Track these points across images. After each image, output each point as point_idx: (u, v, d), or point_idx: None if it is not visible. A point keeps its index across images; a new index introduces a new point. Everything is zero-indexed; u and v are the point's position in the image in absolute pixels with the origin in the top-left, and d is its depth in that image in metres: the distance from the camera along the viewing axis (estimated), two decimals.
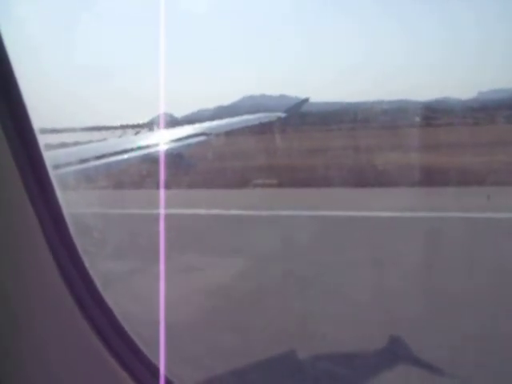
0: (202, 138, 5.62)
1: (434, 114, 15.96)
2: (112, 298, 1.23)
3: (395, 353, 3.84)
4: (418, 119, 13.32)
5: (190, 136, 5.52)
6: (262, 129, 9.02)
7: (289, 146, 12.82)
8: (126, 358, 1.17)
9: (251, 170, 11.32)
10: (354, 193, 9.49)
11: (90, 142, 5.43)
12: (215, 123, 6.56)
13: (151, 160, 4.97)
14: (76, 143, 5.36)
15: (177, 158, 5.15)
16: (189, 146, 5.47)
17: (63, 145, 4.87)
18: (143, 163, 5.15)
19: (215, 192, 10.26)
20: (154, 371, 1.22)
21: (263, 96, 22.46)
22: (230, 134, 6.78)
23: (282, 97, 18.29)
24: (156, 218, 7.65)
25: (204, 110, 18.96)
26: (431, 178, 9.34)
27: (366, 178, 10.02)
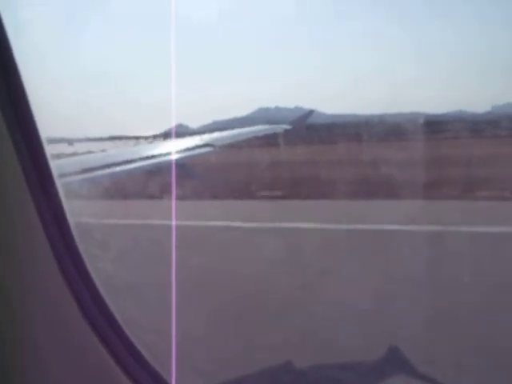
0: (206, 149, 5.66)
1: (448, 127, 15.92)
2: (116, 305, 1.23)
3: (394, 363, 3.83)
4: (430, 132, 13.23)
5: (195, 147, 5.56)
6: (266, 141, 9.05)
7: (289, 159, 12.87)
8: (127, 361, 1.18)
9: (249, 182, 11.39)
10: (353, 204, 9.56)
11: (98, 152, 5.48)
12: (220, 134, 6.60)
13: (153, 171, 5.00)
14: (85, 153, 5.41)
15: (181, 169, 5.17)
16: (193, 156, 5.51)
17: (73, 154, 4.93)
18: (145, 174, 5.18)
19: (212, 203, 10.27)
20: (156, 377, 1.22)
21: (278, 108, 22.61)
22: (233, 145, 6.80)
23: (297, 109, 18.34)
24: (145, 227, 7.71)
25: (219, 121, 19.05)
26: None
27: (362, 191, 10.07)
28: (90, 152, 5.41)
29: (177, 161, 5.07)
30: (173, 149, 5.42)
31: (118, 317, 1.23)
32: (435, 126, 15.34)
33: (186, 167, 5.41)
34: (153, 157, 4.93)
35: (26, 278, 1.14)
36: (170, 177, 4.81)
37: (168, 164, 4.97)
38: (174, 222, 5.29)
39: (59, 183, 1.20)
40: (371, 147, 12.79)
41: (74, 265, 1.18)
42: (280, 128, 7.46)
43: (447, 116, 18.11)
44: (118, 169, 4.37)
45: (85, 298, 1.17)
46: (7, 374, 1.14)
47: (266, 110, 22.85)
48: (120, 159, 4.57)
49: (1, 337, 1.14)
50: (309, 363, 3.89)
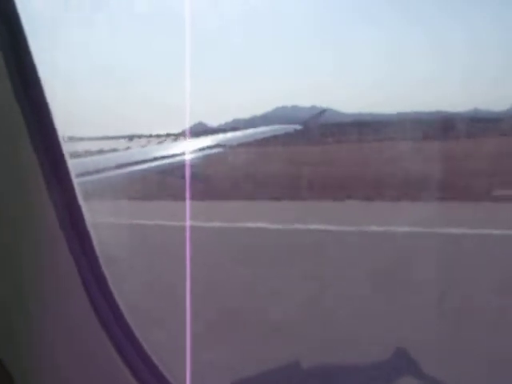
0: (216, 150, 5.68)
1: (464, 126, 15.81)
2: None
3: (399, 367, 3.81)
4: (448, 130, 13.15)
5: (206, 147, 5.59)
6: (277, 141, 9.05)
7: (298, 159, 12.81)
8: (137, 366, 1.18)
9: (256, 183, 11.34)
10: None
11: (113, 151, 5.52)
12: (231, 135, 6.62)
13: (162, 171, 5.02)
14: (101, 152, 5.45)
15: (191, 169, 5.18)
16: (203, 157, 5.52)
17: (90, 153, 4.97)
18: (155, 174, 5.20)
19: (218, 204, 10.20)
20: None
21: (295, 107, 22.58)
22: (243, 145, 6.82)
23: (313, 108, 18.35)
24: (149, 228, 7.68)
25: (238, 119, 19.14)
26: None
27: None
28: (114, 150, 5.44)
29: (186, 161, 5.08)
30: (184, 149, 5.43)
31: (129, 319, 1.23)
32: (451, 125, 15.26)
33: (194, 168, 5.41)
34: (162, 158, 4.95)
35: (43, 279, 1.13)
36: (176, 177, 4.80)
37: (176, 165, 4.98)
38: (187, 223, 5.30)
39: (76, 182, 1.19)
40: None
41: (90, 265, 1.17)
42: (292, 128, 7.45)
43: (463, 114, 17.97)
44: (127, 170, 4.39)
45: (99, 300, 1.16)
46: (22, 374, 1.13)
47: (284, 108, 22.91)
48: (131, 160, 4.60)
49: (18, 340, 1.14)
50: None
